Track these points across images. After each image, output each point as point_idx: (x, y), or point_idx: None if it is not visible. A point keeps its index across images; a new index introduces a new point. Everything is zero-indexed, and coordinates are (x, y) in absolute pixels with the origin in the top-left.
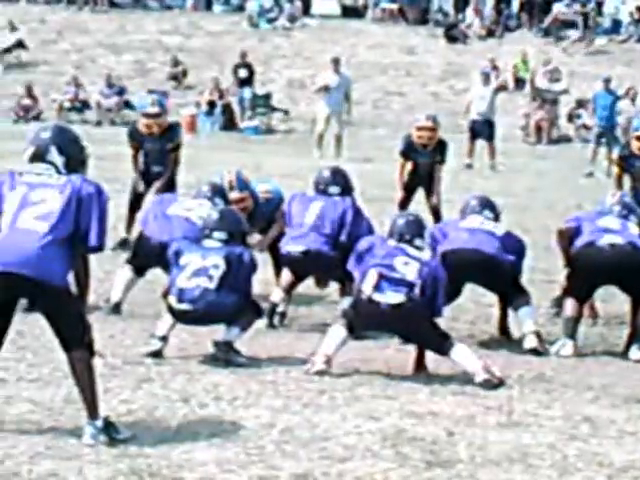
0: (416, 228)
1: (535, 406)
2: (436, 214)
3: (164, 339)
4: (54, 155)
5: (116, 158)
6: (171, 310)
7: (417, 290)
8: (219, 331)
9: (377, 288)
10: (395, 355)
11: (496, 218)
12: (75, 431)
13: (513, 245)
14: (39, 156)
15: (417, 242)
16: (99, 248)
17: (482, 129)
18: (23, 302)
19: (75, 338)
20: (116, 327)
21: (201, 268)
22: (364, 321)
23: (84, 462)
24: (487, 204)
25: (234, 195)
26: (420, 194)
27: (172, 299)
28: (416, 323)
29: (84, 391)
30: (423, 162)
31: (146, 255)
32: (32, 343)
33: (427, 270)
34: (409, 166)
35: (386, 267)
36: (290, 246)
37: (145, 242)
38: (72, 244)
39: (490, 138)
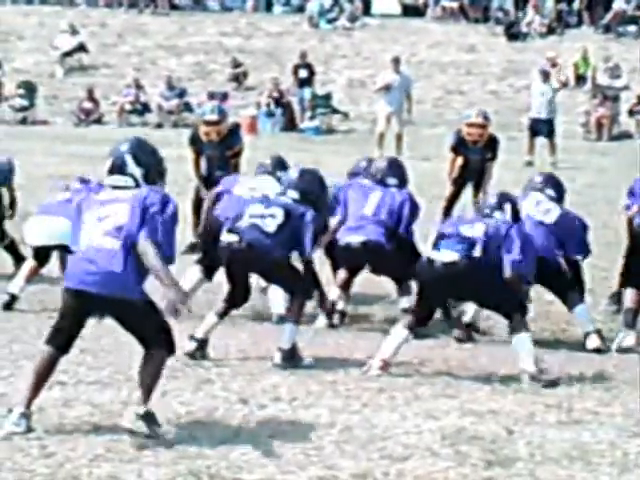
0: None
1: (595, 404)
2: None
3: (202, 341)
4: (132, 167)
5: (177, 160)
6: (220, 249)
7: (478, 248)
8: (276, 333)
9: (434, 246)
10: (455, 354)
11: (560, 198)
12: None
13: (570, 227)
14: (118, 168)
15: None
16: (170, 259)
17: (542, 126)
18: None
19: (155, 341)
20: (175, 328)
21: (259, 214)
22: (426, 291)
23: (143, 464)
24: (551, 181)
25: None
26: (468, 190)
27: (224, 233)
28: (474, 283)
29: (145, 376)
30: (474, 158)
31: (214, 238)
32: (92, 346)
33: (496, 231)
34: (460, 161)
35: (451, 226)
36: (350, 237)
37: (212, 222)
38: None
39: (550, 135)
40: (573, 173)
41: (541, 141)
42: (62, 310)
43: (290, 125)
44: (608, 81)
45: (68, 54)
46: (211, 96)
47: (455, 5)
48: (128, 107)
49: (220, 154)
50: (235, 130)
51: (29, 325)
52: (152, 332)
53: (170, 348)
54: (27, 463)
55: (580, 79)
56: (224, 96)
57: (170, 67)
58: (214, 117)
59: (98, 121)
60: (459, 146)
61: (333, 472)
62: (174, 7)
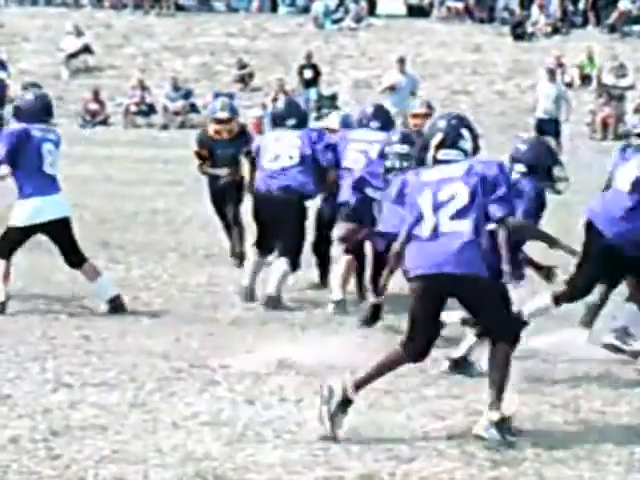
0: None
1: (601, 403)
2: None
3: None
4: (466, 140)
5: (182, 161)
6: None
7: None
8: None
9: None
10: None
11: None
12: (140, 435)
13: None
14: (451, 142)
15: None
16: (507, 216)
17: (548, 126)
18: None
19: (499, 332)
20: (181, 330)
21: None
22: None
23: (149, 466)
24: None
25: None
26: None
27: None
28: None
29: (492, 376)
30: None
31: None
32: (97, 347)
33: None
34: None
35: None
36: None
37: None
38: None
39: (556, 135)
40: (579, 173)
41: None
42: (415, 305)
43: None
44: (613, 81)
45: (73, 56)
46: (217, 97)
47: (460, 5)
48: (134, 108)
49: (232, 154)
50: (245, 129)
51: (35, 327)
52: (497, 321)
53: (514, 340)
54: (33, 465)
55: (585, 79)
56: (230, 97)
57: (176, 68)
58: (225, 115)
59: (104, 122)
60: None
61: (339, 473)
62: (179, 8)
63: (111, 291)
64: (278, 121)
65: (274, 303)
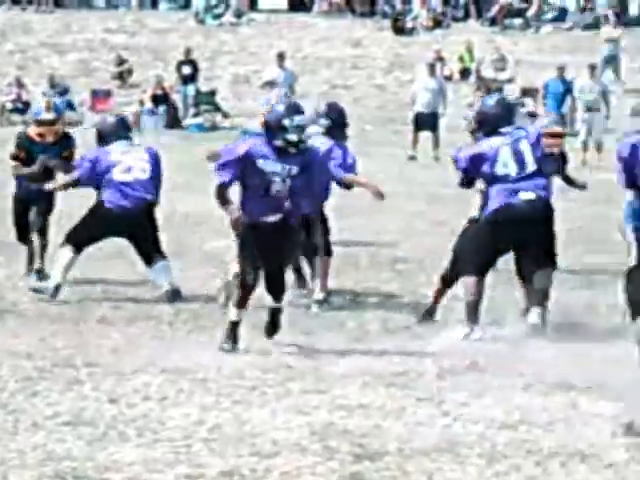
0: None
1: (466, 395)
2: None
3: None
4: None
5: None
6: None
7: None
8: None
9: None
10: (326, 348)
11: None
12: (0, 436)
13: None
14: None
15: None
16: None
17: (426, 120)
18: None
19: None
20: (47, 330)
21: None
22: None
23: (8, 467)
24: None
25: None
26: None
27: None
28: None
29: None
30: None
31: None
32: None
33: None
34: None
35: None
36: None
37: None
38: None
39: (434, 129)
40: None
41: (425, 135)
42: None
43: (174, 122)
44: (493, 74)
45: None
46: (94, 93)
47: None
48: (9, 106)
49: (54, 157)
50: (68, 133)
51: None
52: None
53: None
54: None
55: (465, 72)
56: (107, 93)
57: (53, 65)
58: (50, 116)
59: None
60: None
61: (201, 470)
62: (58, 5)
63: None
64: (111, 137)
65: (176, 295)
